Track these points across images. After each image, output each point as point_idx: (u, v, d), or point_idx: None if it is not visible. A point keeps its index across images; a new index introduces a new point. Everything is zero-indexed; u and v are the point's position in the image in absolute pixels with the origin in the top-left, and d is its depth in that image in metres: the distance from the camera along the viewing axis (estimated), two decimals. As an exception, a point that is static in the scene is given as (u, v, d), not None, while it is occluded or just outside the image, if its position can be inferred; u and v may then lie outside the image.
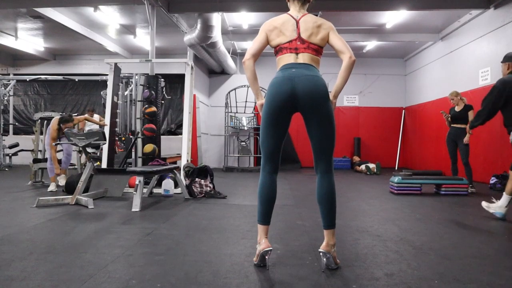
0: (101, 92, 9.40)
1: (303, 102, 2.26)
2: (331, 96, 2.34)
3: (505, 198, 4.02)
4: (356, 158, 11.57)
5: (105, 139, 4.92)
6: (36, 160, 6.66)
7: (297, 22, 2.39)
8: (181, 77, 7.71)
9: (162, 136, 7.01)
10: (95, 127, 8.78)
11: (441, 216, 4.08)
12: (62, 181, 5.86)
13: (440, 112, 6.49)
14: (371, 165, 10.11)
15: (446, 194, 5.69)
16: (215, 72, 12.49)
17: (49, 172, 6.01)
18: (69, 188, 5.36)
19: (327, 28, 2.40)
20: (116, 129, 7.60)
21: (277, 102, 2.28)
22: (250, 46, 2.44)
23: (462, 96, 6.28)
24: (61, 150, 6.40)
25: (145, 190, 5.21)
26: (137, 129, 6.39)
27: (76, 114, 9.26)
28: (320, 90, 2.27)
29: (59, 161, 6.09)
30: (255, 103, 2.51)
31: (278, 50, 2.41)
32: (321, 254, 2.27)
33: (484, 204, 4.21)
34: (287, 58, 2.36)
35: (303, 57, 2.35)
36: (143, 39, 10.58)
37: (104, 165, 5.97)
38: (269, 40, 2.43)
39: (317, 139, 2.30)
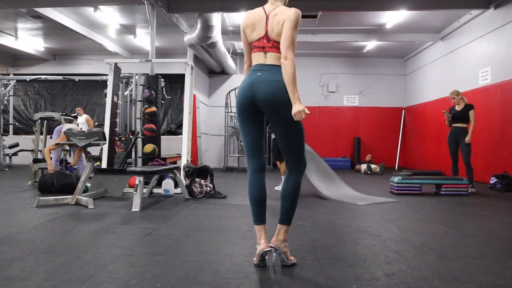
0: (104, 91, 9.40)
1: (264, 108, 2.27)
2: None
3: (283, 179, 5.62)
4: (369, 157, 11.23)
5: (105, 139, 4.92)
6: (36, 160, 6.65)
7: (267, 18, 2.28)
8: (181, 77, 7.69)
9: (162, 136, 7.01)
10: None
11: (441, 216, 4.08)
12: None
13: (442, 112, 6.49)
14: (373, 165, 10.11)
15: (446, 194, 5.69)
16: (215, 72, 12.49)
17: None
18: (42, 187, 5.39)
19: (283, 19, 2.20)
20: (116, 129, 7.60)
21: (242, 106, 2.32)
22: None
23: (462, 96, 6.29)
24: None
25: (145, 190, 5.20)
26: (137, 129, 6.39)
27: (76, 114, 9.24)
28: (279, 96, 2.20)
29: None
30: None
31: (252, 48, 2.36)
32: (271, 249, 2.24)
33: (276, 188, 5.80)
34: (257, 58, 2.32)
35: (271, 57, 2.28)
36: (143, 39, 10.58)
37: (104, 165, 5.97)
38: (246, 36, 2.37)
39: (283, 141, 2.33)
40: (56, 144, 5.98)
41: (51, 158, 6.11)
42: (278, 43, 2.25)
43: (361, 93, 12.72)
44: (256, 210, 2.32)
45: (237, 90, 11.61)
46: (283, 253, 2.28)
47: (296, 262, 2.38)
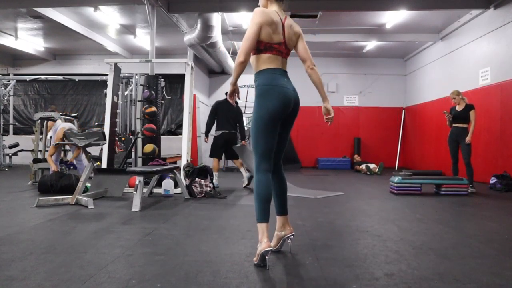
0: (104, 91, 9.39)
1: (293, 114, 2.50)
2: (325, 102, 2.51)
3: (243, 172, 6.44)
4: (357, 158, 11.49)
5: (105, 139, 4.92)
6: (36, 160, 6.65)
7: (283, 25, 2.44)
8: (181, 77, 7.69)
9: (162, 136, 7.00)
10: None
11: (441, 216, 4.08)
12: None
13: (443, 112, 6.50)
14: (372, 165, 10.10)
15: (446, 194, 5.69)
16: (215, 72, 12.49)
17: (51, 171, 6.05)
18: (42, 188, 5.39)
19: (298, 32, 2.51)
20: (116, 129, 7.60)
21: (280, 112, 2.38)
22: (244, 44, 2.31)
23: (463, 96, 6.28)
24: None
25: (145, 190, 5.20)
26: (137, 129, 6.39)
27: (76, 114, 9.24)
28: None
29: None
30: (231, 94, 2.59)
31: (268, 47, 2.37)
32: (291, 237, 2.56)
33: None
34: (276, 61, 2.40)
35: (285, 64, 2.49)
36: (143, 39, 10.58)
37: (104, 165, 5.97)
38: (261, 32, 2.34)
39: (284, 143, 2.58)
40: (56, 144, 5.98)
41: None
42: (289, 52, 2.52)
43: (361, 93, 12.72)
44: (265, 209, 2.39)
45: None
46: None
47: (296, 262, 2.39)
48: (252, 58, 2.43)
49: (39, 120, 7.14)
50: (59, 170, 6.00)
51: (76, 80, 10.98)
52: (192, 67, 6.27)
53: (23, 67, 12.86)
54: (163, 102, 7.00)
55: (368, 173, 9.89)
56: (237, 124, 6.57)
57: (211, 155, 6.52)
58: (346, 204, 4.85)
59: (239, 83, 2.45)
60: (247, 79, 11.75)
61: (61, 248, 2.65)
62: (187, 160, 5.85)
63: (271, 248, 2.26)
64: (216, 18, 7.91)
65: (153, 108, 6.19)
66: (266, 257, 2.25)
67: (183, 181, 5.39)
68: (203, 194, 5.34)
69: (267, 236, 2.31)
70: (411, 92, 12.18)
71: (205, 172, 5.60)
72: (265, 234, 2.31)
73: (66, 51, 12.28)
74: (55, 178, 5.50)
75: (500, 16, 7.42)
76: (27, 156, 9.42)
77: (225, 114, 6.45)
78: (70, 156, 6.72)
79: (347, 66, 12.70)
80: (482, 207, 4.69)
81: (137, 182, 4.30)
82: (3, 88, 10.79)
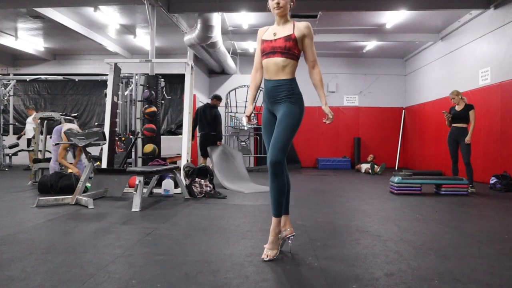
0: (104, 91, 9.38)
1: None
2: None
3: None
4: (371, 158, 11.08)
5: (105, 139, 4.92)
6: (36, 160, 6.65)
7: None
8: (181, 77, 7.68)
9: (162, 136, 7.01)
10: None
11: (441, 216, 4.08)
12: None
13: (442, 112, 6.50)
14: (375, 165, 10.10)
15: (446, 194, 5.69)
16: (215, 72, 12.49)
17: (50, 171, 6.05)
18: (42, 188, 5.41)
19: None
20: (116, 129, 7.59)
21: None
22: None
23: (463, 96, 6.29)
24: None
25: (145, 190, 5.20)
26: (137, 129, 6.39)
27: (76, 114, 9.24)
28: None
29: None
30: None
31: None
32: (292, 238, 2.59)
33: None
34: None
35: None
36: (143, 39, 10.58)
37: (104, 165, 5.96)
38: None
39: None
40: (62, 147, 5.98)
41: (52, 158, 6.12)
42: None
43: (361, 93, 12.72)
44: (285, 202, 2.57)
45: (237, 90, 11.65)
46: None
47: (296, 262, 2.39)
48: (293, 64, 2.60)
49: (39, 120, 7.14)
50: (57, 171, 5.98)
51: (76, 80, 10.97)
52: (192, 67, 6.26)
53: (23, 67, 12.85)
54: (163, 102, 7.01)
55: (370, 171, 9.87)
56: (215, 127, 7.19)
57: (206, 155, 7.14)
58: (346, 204, 4.85)
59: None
60: (248, 79, 11.76)
61: (61, 248, 2.65)
62: (187, 160, 5.85)
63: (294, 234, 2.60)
64: (216, 18, 7.91)
65: (153, 108, 6.19)
66: (289, 241, 2.59)
67: (183, 181, 5.39)
68: (203, 194, 5.34)
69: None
70: (411, 92, 12.18)
71: (205, 172, 5.60)
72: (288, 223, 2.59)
73: (66, 51, 12.28)
74: (55, 178, 5.49)
75: (500, 16, 7.42)
76: (27, 156, 9.42)
77: (202, 117, 7.17)
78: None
79: (347, 66, 12.70)
80: (482, 207, 4.69)
81: (137, 182, 4.30)
82: (3, 88, 10.79)
